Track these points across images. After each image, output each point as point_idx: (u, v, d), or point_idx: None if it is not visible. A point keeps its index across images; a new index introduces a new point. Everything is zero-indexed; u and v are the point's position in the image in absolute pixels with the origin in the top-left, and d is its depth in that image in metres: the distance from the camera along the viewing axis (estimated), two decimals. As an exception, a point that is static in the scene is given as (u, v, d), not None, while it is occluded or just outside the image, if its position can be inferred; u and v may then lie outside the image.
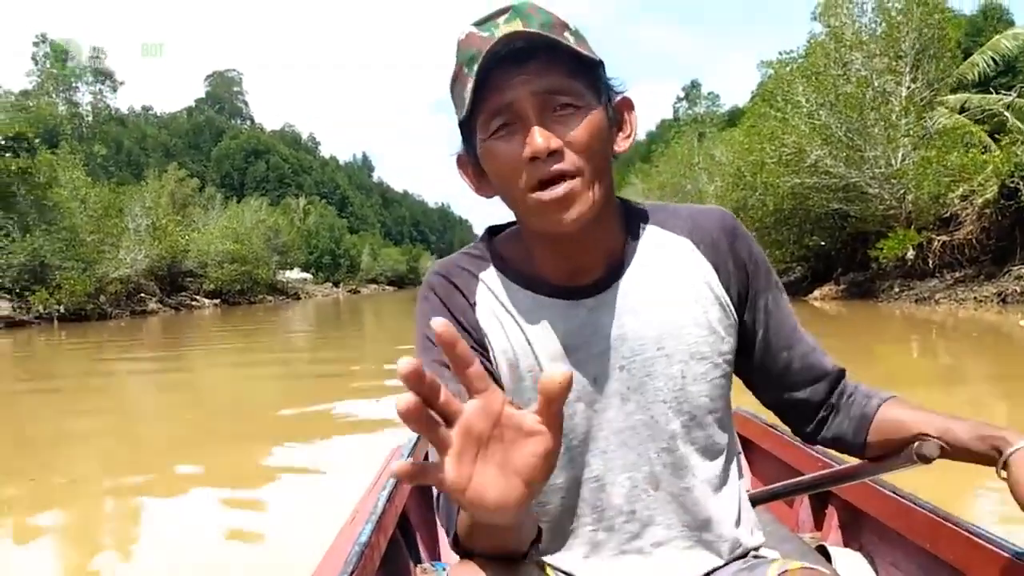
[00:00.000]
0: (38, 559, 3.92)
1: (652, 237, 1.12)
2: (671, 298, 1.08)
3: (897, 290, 19.98)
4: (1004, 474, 0.99)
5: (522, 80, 0.96)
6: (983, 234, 18.51)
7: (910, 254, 19.81)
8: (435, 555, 2.15)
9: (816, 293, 24.02)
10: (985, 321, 14.61)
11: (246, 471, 5.44)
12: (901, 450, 1.09)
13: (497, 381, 1.08)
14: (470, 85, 0.96)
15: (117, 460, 6.02)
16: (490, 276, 1.12)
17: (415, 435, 2.35)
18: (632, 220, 1.13)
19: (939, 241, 19.55)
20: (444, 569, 1.91)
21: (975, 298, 17.17)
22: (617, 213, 1.10)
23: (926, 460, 1.05)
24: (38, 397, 9.87)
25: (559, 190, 0.97)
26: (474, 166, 1.08)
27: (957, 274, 18.94)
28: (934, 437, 1.06)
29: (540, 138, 0.95)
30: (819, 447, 1.96)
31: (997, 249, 18.10)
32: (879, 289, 20.77)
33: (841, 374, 1.18)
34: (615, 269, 1.09)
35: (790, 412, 1.20)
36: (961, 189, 19.39)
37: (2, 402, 9.66)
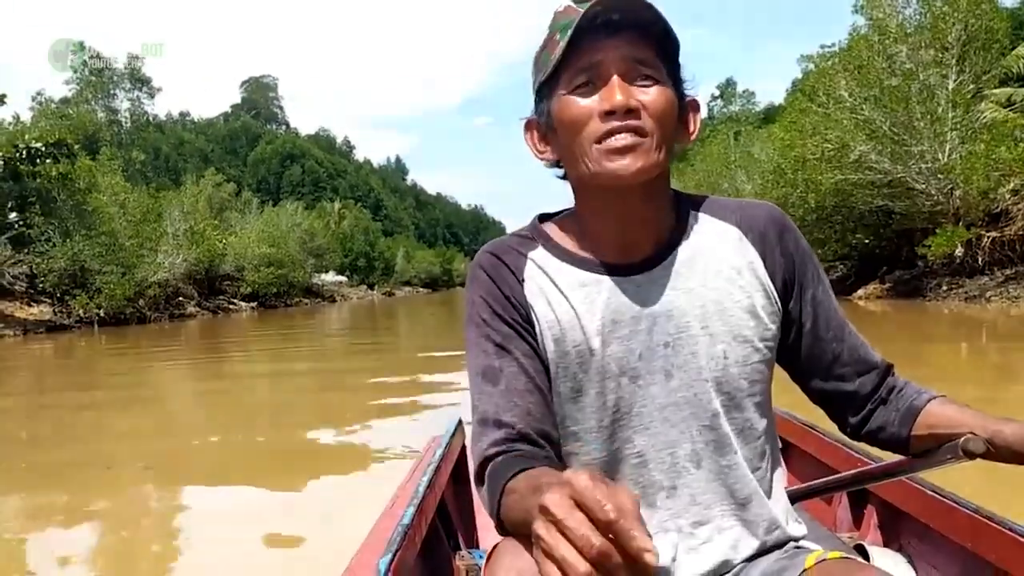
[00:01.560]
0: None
1: (701, 222, 1.14)
2: (717, 281, 1.10)
3: (945, 288, 19.49)
4: None
5: (612, 45, 1.01)
6: (1035, 229, 17.99)
7: (959, 251, 19.32)
8: (472, 543, 2.18)
9: (860, 292, 23.52)
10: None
11: (285, 470, 5.49)
12: (940, 446, 1.08)
13: (542, 358, 1.10)
14: (561, 46, 1.01)
15: (161, 459, 5.97)
16: (539, 255, 1.13)
17: (452, 425, 2.44)
18: (683, 206, 1.15)
19: (989, 237, 19.06)
20: (481, 557, 1.88)
21: (1029, 295, 16.66)
22: (669, 198, 1.13)
23: (971, 456, 1.02)
24: (81, 400, 9.86)
25: (627, 139, 1.00)
26: (541, 130, 1.12)
27: (1008, 271, 18.47)
28: (982, 436, 1.03)
29: (620, 93, 1.00)
30: (859, 446, 1.93)
31: (1051, 245, 17.57)
32: (927, 287, 20.27)
33: (889, 368, 1.17)
34: (664, 249, 1.11)
35: (837, 404, 1.18)
36: (1012, 183, 18.84)
37: (49, 405, 9.65)
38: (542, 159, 1.13)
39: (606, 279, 1.10)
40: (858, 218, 23.70)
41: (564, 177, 1.13)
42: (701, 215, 1.14)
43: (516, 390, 1.06)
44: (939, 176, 19.66)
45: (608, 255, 1.11)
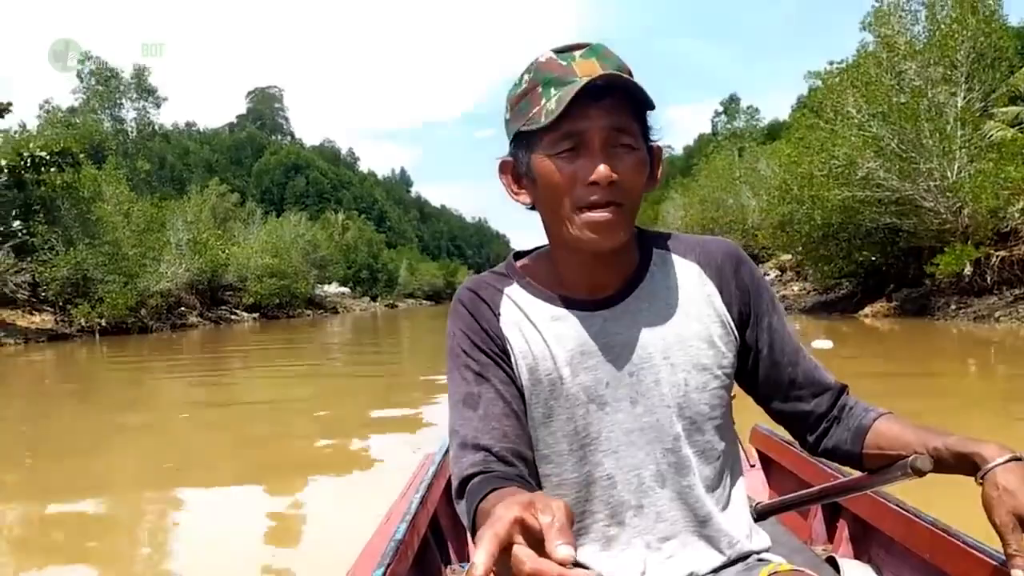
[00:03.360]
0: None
1: (663, 260, 1.23)
2: (678, 314, 1.19)
3: (954, 307, 19.30)
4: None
5: (597, 114, 1.08)
6: (1045, 249, 17.81)
7: (967, 270, 19.13)
8: (463, 557, 2.25)
9: (867, 310, 23.29)
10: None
11: (282, 488, 5.43)
12: (894, 463, 1.16)
13: (517, 385, 1.18)
14: (547, 108, 1.08)
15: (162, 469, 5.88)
16: (514, 291, 1.23)
17: (446, 443, 2.42)
18: (646, 245, 1.24)
19: (998, 256, 18.89)
20: None
21: (1038, 316, 16.46)
22: (634, 239, 1.21)
23: (920, 473, 1.10)
24: (84, 408, 9.71)
25: (607, 213, 1.09)
26: (516, 173, 1.19)
27: (1017, 291, 18.31)
28: (921, 452, 1.10)
29: (604, 164, 1.07)
30: (832, 463, 2.02)
31: (1061, 265, 17.38)
32: (934, 306, 20.07)
33: (843, 389, 1.26)
34: (629, 286, 1.20)
35: (796, 423, 1.28)
36: (1021, 203, 18.68)
37: (54, 414, 9.54)
38: (518, 201, 1.20)
39: (575, 313, 1.19)
40: (865, 235, 23.45)
41: (533, 208, 1.19)
42: (663, 253, 1.24)
43: (494, 414, 1.14)
44: (947, 194, 19.46)
45: (578, 292, 1.20)
